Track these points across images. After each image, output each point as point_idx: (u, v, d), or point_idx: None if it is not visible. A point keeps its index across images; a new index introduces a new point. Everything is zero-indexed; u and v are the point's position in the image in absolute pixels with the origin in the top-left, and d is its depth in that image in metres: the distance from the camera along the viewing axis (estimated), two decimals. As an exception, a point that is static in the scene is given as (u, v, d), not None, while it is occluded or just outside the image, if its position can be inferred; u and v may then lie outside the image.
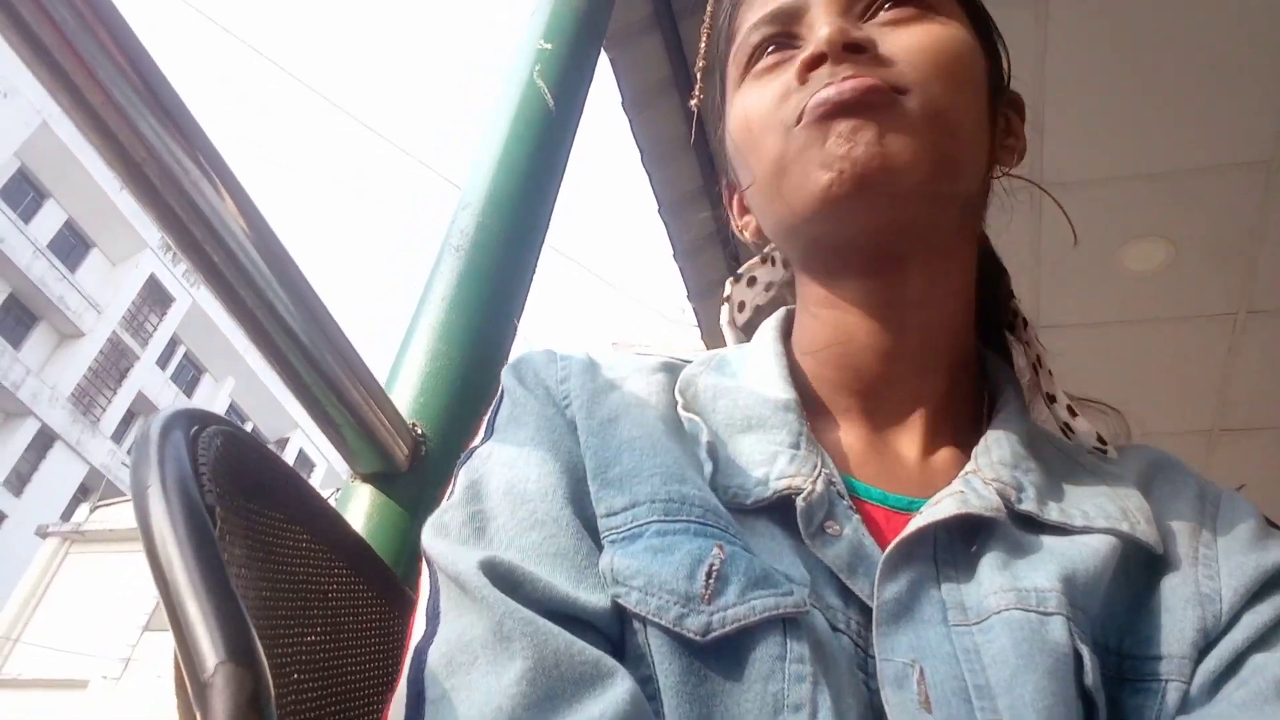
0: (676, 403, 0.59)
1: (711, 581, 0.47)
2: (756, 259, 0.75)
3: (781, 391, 0.59)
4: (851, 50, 0.55)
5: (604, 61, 2.14)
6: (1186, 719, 0.49)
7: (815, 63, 0.56)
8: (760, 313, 0.73)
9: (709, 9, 0.68)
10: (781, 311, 0.68)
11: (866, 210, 0.55)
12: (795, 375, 0.62)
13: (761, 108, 0.59)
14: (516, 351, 1.17)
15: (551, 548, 0.50)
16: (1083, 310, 2.85)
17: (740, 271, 0.75)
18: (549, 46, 1.30)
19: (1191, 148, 2.38)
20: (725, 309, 0.74)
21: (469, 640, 0.46)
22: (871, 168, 0.53)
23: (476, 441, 0.59)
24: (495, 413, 0.60)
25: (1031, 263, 2.69)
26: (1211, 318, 2.79)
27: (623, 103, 2.32)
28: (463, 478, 0.55)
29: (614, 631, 0.49)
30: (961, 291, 0.62)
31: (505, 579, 0.48)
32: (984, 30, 0.65)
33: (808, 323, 0.64)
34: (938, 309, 0.60)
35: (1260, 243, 2.55)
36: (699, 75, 0.77)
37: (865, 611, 0.50)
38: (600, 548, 0.51)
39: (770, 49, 0.61)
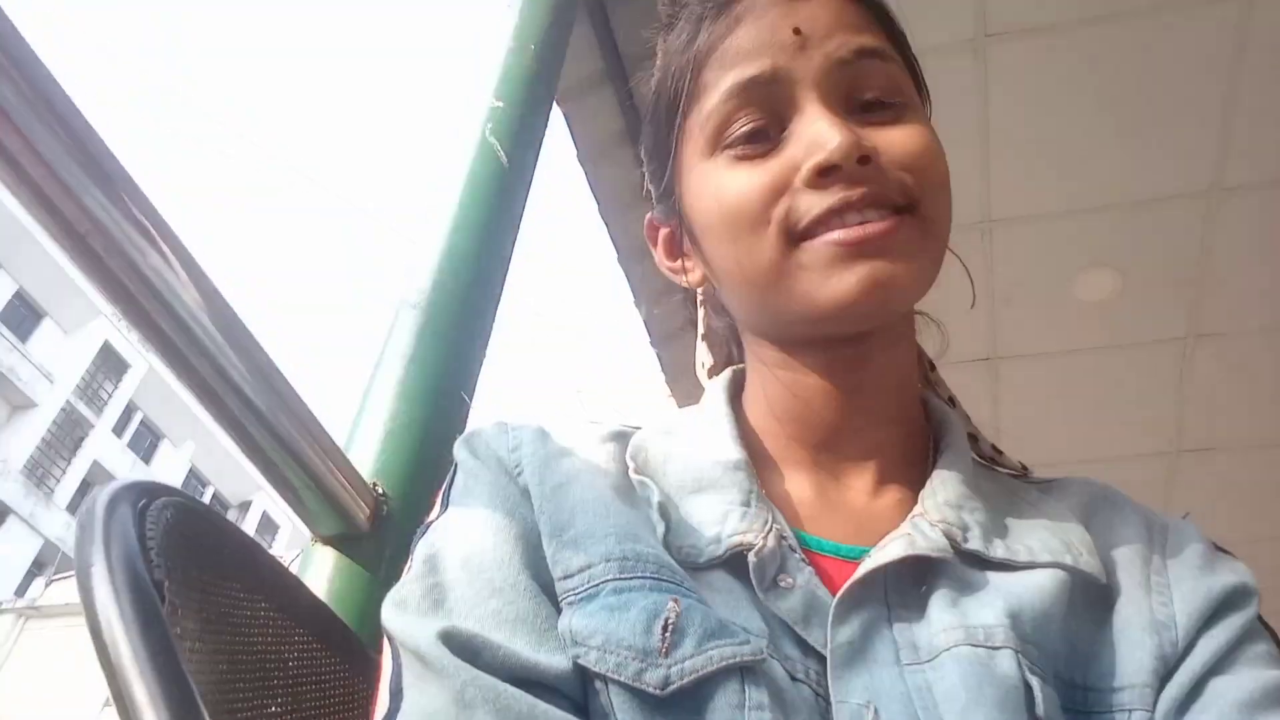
0: (628, 468, 0.59)
1: (668, 635, 0.48)
2: (703, 310, 0.75)
3: (732, 452, 0.60)
4: (861, 163, 0.55)
5: (558, 115, 2.16)
6: None
7: (828, 170, 0.55)
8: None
9: (676, 40, 0.64)
10: (728, 372, 0.69)
11: (871, 320, 0.57)
12: (745, 434, 0.63)
13: (748, 200, 0.57)
14: (475, 410, 1.16)
15: (510, 614, 0.50)
16: (1038, 341, 2.90)
17: (703, 331, 0.76)
18: (501, 104, 1.31)
19: (1135, 180, 2.46)
20: (701, 371, 0.75)
21: (432, 713, 0.46)
22: (888, 298, 0.55)
23: (432, 515, 0.59)
24: (450, 485, 0.60)
25: (986, 297, 2.74)
26: (1163, 342, 2.85)
27: (577, 155, 2.34)
28: (420, 551, 0.55)
29: (577, 693, 0.49)
30: (910, 350, 0.64)
31: (465, 647, 0.48)
32: (924, 102, 0.65)
33: (763, 382, 0.64)
34: (894, 372, 0.62)
35: (1205, 269, 2.62)
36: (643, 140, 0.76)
37: (823, 661, 0.50)
38: (559, 610, 0.51)
39: (748, 125, 0.58)
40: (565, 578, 0.52)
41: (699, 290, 0.70)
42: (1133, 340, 2.85)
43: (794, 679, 0.49)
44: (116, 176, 0.61)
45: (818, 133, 0.56)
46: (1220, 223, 2.51)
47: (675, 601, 0.49)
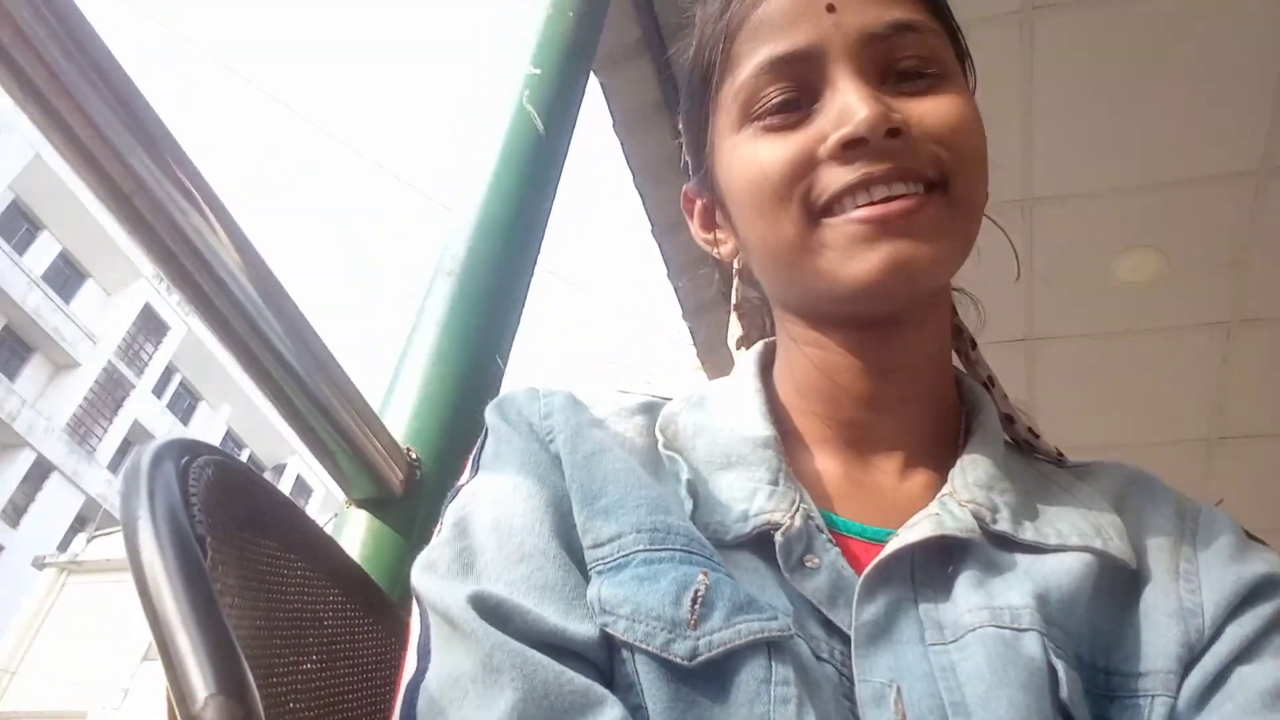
0: (657, 441, 0.59)
1: (697, 607, 0.48)
2: (736, 281, 0.75)
3: (761, 429, 0.60)
4: (889, 136, 0.54)
5: (595, 84, 2.15)
6: None
7: (854, 144, 0.54)
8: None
9: (711, 8, 0.63)
10: (760, 345, 0.69)
11: (894, 301, 0.56)
12: (775, 410, 0.62)
13: (772, 174, 0.56)
14: (509, 378, 1.17)
15: (539, 580, 0.51)
16: (1077, 322, 2.86)
17: (735, 303, 0.75)
18: (538, 71, 1.31)
19: (1181, 159, 2.40)
20: (733, 343, 0.75)
21: (459, 675, 0.47)
22: (911, 280, 0.54)
23: (463, 479, 0.59)
24: (480, 450, 0.60)
25: (1025, 276, 2.70)
26: (1205, 327, 2.80)
27: (614, 125, 2.33)
28: (450, 515, 0.56)
29: (603, 661, 0.49)
30: (943, 330, 0.63)
31: (494, 612, 0.49)
32: (965, 65, 0.64)
33: (792, 358, 0.64)
34: (923, 351, 0.61)
35: (1250, 252, 2.57)
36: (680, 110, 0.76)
37: (848, 641, 0.50)
38: (587, 579, 0.52)
39: (779, 96, 0.58)
40: (595, 546, 0.52)
41: (734, 262, 0.69)
42: (1174, 324, 2.80)
43: (819, 658, 0.49)
44: (161, 138, 0.61)
45: (846, 105, 0.55)
46: (1268, 205, 2.45)
47: (705, 574, 0.49)
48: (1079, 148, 2.42)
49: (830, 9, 0.57)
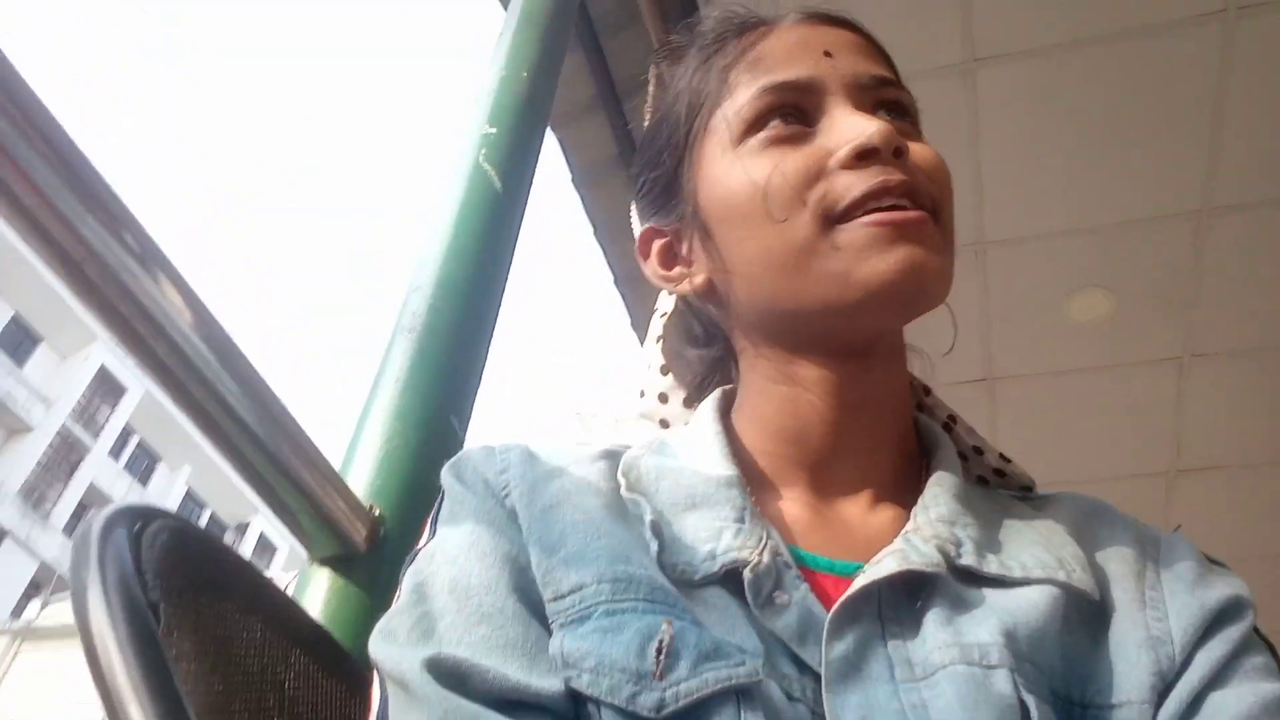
0: (619, 485, 0.59)
1: (662, 658, 0.47)
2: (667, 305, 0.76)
3: (724, 469, 0.60)
4: (898, 155, 0.58)
5: (552, 140, 2.18)
6: None
7: (867, 154, 0.57)
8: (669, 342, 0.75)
9: (693, 58, 0.68)
10: (718, 391, 0.69)
11: (894, 317, 0.59)
12: (737, 451, 0.62)
13: (783, 180, 0.58)
14: (474, 431, 1.17)
15: (500, 639, 0.50)
16: (1033, 361, 2.91)
17: (661, 309, 0.76)
18: (494, 130, 1.32)
19: (1125, 201, 2.47)
20: (655, 346, 0.75)
21: None
22: (924, 284, 0.56)
23: (421, 543, 0.59)
24: (437, 512, 0.60)
25: (980, 318, 2.75)
26: (1158, 362, 2.86)
27: (572, 179, 2.36)
28: (408, 581, 0.55)
29: (569, 715, 0.48)
30: (904, 370, 0.65)
31: (451, 674, 0.48)
32: None
33: (757, 400, 0.64)
34: (891, 388, 0.63)
35: (1198, 289, 2.64)
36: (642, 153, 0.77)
37: (819, 679, 0.50)
38: (550, 632, 0.51)
39: (777, 120, 0.61)
40: (556, 599, 0.52)
41: (689, 297, 0.69)
42: (1128, 360, 2.86)
43: (791, 698, 0.49)
44: (111, 204, 0.61)
45: (854, 123, 0.59)
46: (1211, 242, 2.52)
47: (669, 623, 0.49)
48: (1027, 192, 2.49)
49: (828, 54, 0.62)
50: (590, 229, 2.44)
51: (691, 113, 0.66)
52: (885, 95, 0.63)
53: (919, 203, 0.57)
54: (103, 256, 0.60)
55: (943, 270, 0.57)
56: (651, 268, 0.70)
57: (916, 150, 0.60)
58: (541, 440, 0.64)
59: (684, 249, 0.67)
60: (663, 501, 0.58)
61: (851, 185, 0.57)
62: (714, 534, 0.55)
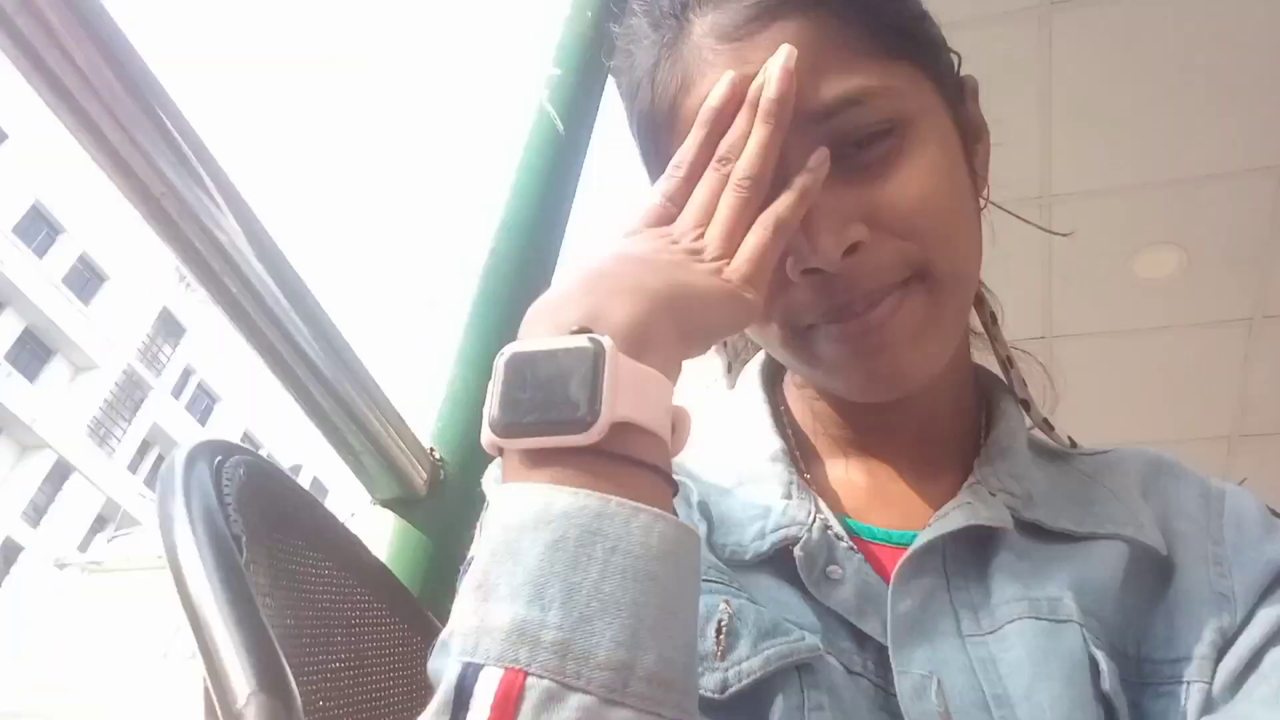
0: None
1: (723, 637, 0.47)
2: None
3: (771, 442, 0.58)
4: (848, 255, 0.50)
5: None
6: (1210, 719, 0.49)
7: (813, 272, 0.51)
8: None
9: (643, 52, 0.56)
10: (762, 355, 0.66)
11: (885, 402, 0.55)
12: (785, 421, 0.61)
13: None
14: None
15: None
16: (1096, 319, 2.84)
17: None
18: (559, 72, 1.31)
19: (1201, 155, 2.38)
20: (722, 357, 0.72)
21: None
22: (897, 387, 0.54)
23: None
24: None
25: (1044, 274, 2.68)
26: (1226, 324, 2.78)
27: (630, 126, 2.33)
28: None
29: None
30: (961, 336, 0.60)
31: None
32: (945, 83, 0.57)
33: (800, 379, 0.63)
34: (936, 386, 0.58)
35: (1273, 248, 2.54)
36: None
37: (881, 651, 0.49)
38: None
39: None
40: None
41: None
42: (1195, 320, 2.78)
43: (851, 672, 0.49)
44: (190, 141, 0.62)
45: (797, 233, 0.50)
46: (1291, 200, 2.43)
47: (727, 602, 0.48)
48: (1098, 144, 2.40)
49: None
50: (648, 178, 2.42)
51: (652, 138, 0.57)
52: (847, 123, 0.51)
53: (890, 287, 0.51)
54: (181, 193, 0.60)
55: (923, 355, 0.53)
56: None
57: (886, 203, 0.51)
58: None
59: None
60: (709, 480, 0.57)
61: (806, 307, 0.53)
62: (762, 511, 0.54)
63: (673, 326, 0.44)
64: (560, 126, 1.26)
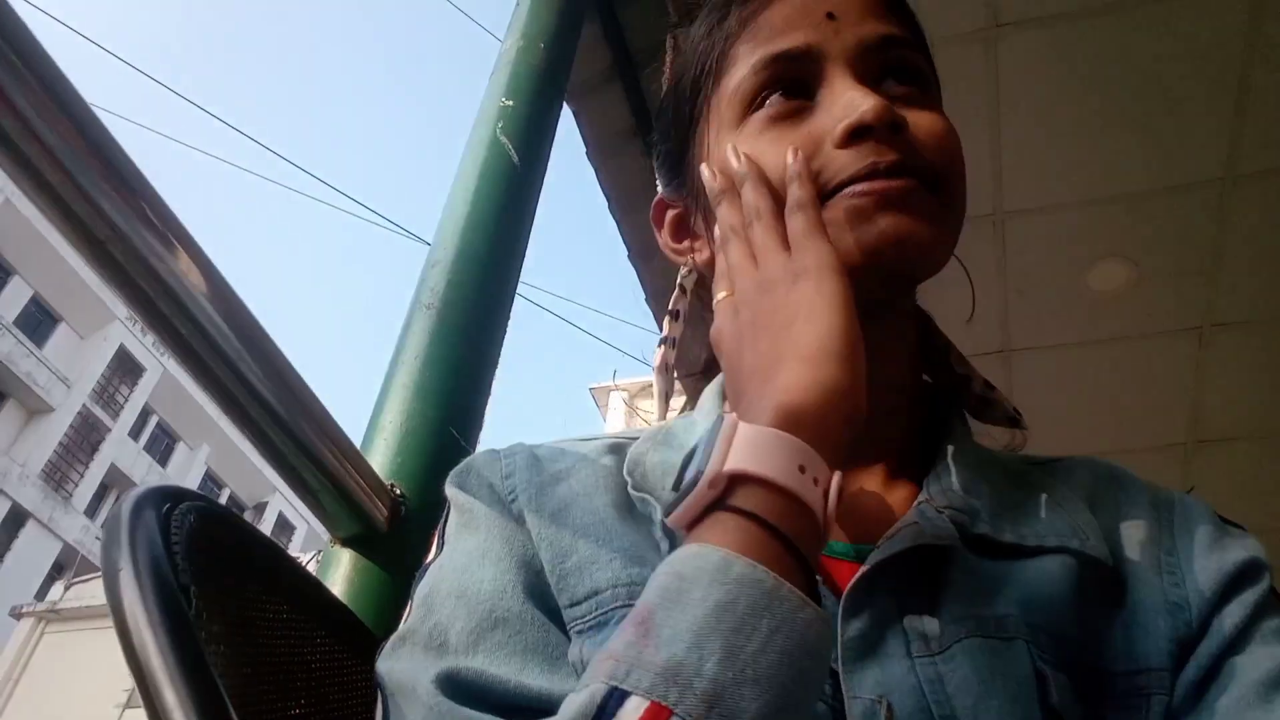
0: (626, 483, 0.58)
1: None
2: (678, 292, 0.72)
3: None
4: (893, 129, 0.55)
5: (567, 113, 2.16)
6: None
7: (860, 132, 0.55)
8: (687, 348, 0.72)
9: (700, 27, 0.65)
10: (721, 376, 0.66)
11: (881, 287, 0.56)
12: None
13: (780, 156, 0.57)
14: (491, 409, 1.16)
15: (518, 645, 0.49)
16: (1052, 333, 2.89)
17: (673, 307, 0.73)
18: (510, 103, 1.31)
19: (1146, 170, 2.44)
20: (658, 352, 0.72)
21: None
22: (909, 252, 0.55)
23: (429, 557, 0.57)
24: (444, 526, 0.58)
25: (999, 289, 2.73)
26: (1177, 333, 2.83)
27: (587, 152, 2.34)
28: (417, 594, 0.53)
29: None
30: (911, 339, 0.63)
31: (467, 690, 0.46)
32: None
33: None
34: (893, 360, 0.61)
35: (1219, 258, 2.60)
36: (657, 123, 0.75)
37: (833, 672, 0.49)
38: (568, 638, 0.50)
39: (775, 93, 0.59)
40: (572, 605, 0.51)
41: (696, 273, 0.68)
42: (1147, 331, 2.84)
43: None
44: (135, 182, 0.61)
45: (850, 99, 0.56)
46: (1234, 211, 2.49)
47: None
48: (1047, 161, 2.46)
49: (830, 16, 0.59)
50: (605, 202, 2.43)
51: (696, 89, 0.64)
52: (892, 58, 0.60)
53: (918, 173, 0.56)
54: (127, 235, 0.59)
55: (936, 239, 0.56)
56: (664, 239, 0.70)
57: (920, 121, 0.58)
58: (543, 443, 0.63)
59: (692, 223, 0.67)
60: (670, 497, 0.56)
61: (844, 165, 0.55)
62: None
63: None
64: (515, 157, 1.26)
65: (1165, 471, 3.21)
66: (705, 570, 0.41)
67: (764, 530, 0.43)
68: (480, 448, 1.10)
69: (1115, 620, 0.53)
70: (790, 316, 0.51)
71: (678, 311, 0.72)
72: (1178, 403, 3.03)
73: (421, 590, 0.53)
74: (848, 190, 0.55)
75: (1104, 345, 2.91)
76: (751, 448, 0.45)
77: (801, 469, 0.45)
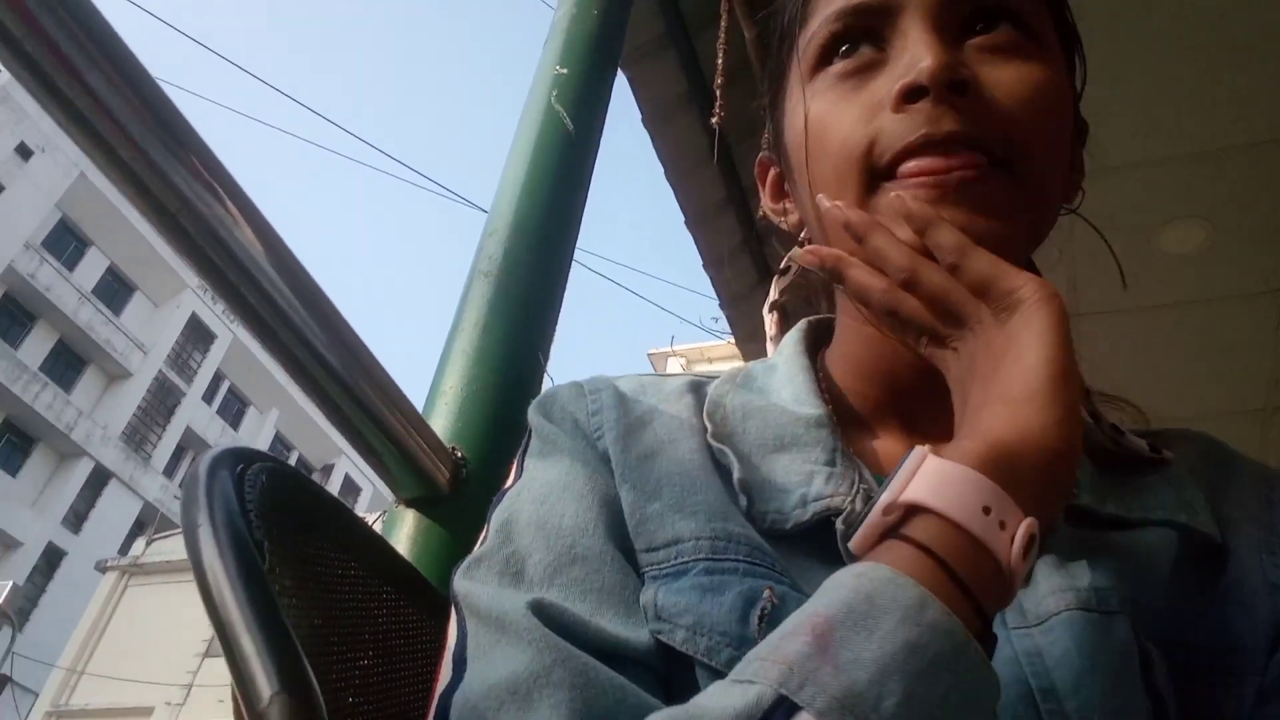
0: (706, 429, 0.56)
1: (764, 625, 0.46)
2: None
3: (813, 407, 0.56)
4: (954, 90, 0.50)
5: (622, 80, 2.15)
6: (1264, 711, 0.47)
7: (914, 94, 0.50)
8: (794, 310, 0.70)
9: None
10: (804, 323, 0.65)
11: None
12: (827, 388, 0.59)
13: (840, 122, 0.54)
14: (550, 373, 1.18)
15: (595, 583, 0.48)
16: (1122, 296, 2.81)
17: (773, 299, 0.71)
18: (564, 71, 1.31)
19: (1228, 127, 2.34)
20: (770, 318, 0.71)
21: (512, 682, 0.43)
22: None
23: (508, 483, 0.57)
24: (524, 451, 0.58)
25: (1067, 250, 2.65)
26: (1255, 296, 2.73)
27: (642, 119, 2.33)
28: (495, 519, 0.53)
29: (663, 669, 0.47)
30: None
31: (556, 621, 0.46)
32: (1070, 46, 0.60)
33: (850, 338, 0.61)
34: None
35: (1301, 218, 2.50)
36: (719, 92, 0.74)
37: None
38: (642, 582, 0.50)
39: (847, 46, 0.55)
40: (650, 550, 0.50)
41: (800, 235, 0.64)
42: (1223, 294, 2.74)
43: None
44: (203, 156, 0.63)
45: (913, 55, 0.51)
46: (1318, 168, 2.39)
47: (771, 589, 0.47)
48: (1120, 118, 2.37)
49: None
50: (661, 169, 2.42)
51: (782, 41, 0.61)
52: (985, 7, 0.53)
53: (983, 147, 0.50)
54: (196, 207, 0.62)
55: (1006, 235, 0.50)
56: (765, 199, 0.67)
57: (1003, 77, 0.51)
58: (626, 378, 0.61)
59: (785, 184, 0.64)
60: (750, 444, 0.55)
61: (897, 134, 0.51)
62: (804, 478, 0.52)
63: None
64: (569, 125, 1.27)
65: (1242, 438, 3.11)
66: (899, 604, 0.38)
67: (938, 567, 0.40)
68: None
69: (1212, 598, 0.51)
70: (999, 354, 0.46)
71: (785, 269, 0.69)
72: (1256, 368, 2.92)
73: (499, 516, 0.53)
74: (902, 170, 0.51)
75: (1176, 308, 2.82)
76: (932, 481, 0.42)
77: (986, 510, 0.41)
